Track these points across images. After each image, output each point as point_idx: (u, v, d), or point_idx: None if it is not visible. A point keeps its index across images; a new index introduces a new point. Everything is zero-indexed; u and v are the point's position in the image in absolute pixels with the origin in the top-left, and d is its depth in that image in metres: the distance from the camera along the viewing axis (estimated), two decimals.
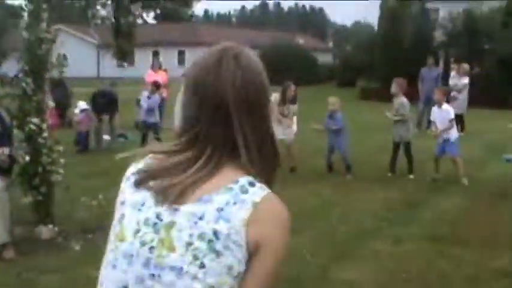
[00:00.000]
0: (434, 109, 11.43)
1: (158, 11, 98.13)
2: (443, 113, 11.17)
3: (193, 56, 43.24)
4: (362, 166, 12.39)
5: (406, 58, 29.25)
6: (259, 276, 1.52)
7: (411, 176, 11.61)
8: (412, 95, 19.10)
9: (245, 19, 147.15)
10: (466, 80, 18.24)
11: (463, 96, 18.26)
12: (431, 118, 11.63)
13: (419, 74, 19.32)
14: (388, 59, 31.19)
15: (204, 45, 55.14)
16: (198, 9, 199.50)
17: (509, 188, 10.64)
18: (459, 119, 18.34)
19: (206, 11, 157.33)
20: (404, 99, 11.65)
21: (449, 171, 11.34)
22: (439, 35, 33.72)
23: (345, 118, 12.03)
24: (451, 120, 11.09)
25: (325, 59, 52.52)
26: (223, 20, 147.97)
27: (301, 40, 61.03)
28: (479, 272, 6.49)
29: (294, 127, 12.76)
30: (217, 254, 1.48)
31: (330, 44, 75.74)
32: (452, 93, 18.29)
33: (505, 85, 27.61)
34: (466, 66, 18.52)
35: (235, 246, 1.49)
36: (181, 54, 58.93)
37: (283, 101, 12.20)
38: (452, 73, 19.05)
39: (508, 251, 7.14)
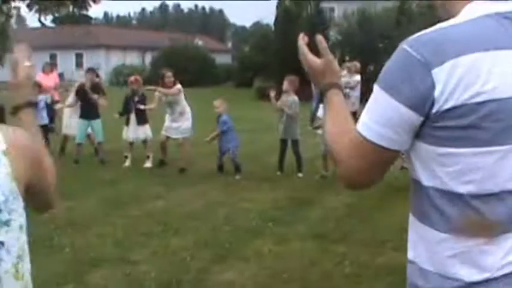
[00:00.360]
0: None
1: (56, 14, 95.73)
2: None
3: (91, 58, 42.80)
4: (252, 166, 12.18)
5: None
6: None
7: (300, 175, 11.43)
8: (306, 94, 19.31)
9: (145, 21, 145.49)
10: (357, 77, 18.31)
11: (356, 94, 18.32)
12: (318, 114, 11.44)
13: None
14: (284, 59, 31.19)
15: (103, 48, 54.36)
16: (97, 11, 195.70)
17: (402, 181, 10.57)
18: (353, 117, 18.53)
19: (106, 13, 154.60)
20: (295, 97, 11.47)
21: None
22: (334, 34, 34.04)
23: (231, 119, 11.70)
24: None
25: (224, 60, 52.71)
26: (123, 22, 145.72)
27: (200, 41, 60.76)
28: (362, 270, 6.28)
29: (187, 124, 12.34)
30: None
31: (229, 45, 75.48)
32: (345, 91, 18.42)
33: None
34: (357, 64, 18.61)
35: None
36: (79, 57, 57.63)
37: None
38: (344, 71, 19.09)
39: (391, 247, 6.97)
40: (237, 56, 46.57)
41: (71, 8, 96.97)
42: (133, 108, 12.54)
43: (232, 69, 45.83)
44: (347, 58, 19.64)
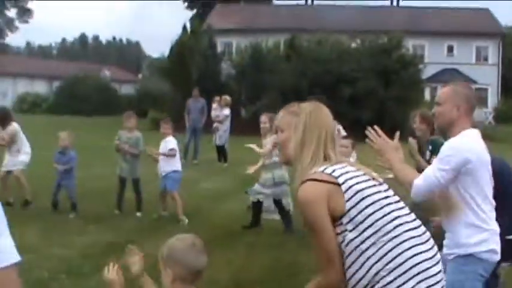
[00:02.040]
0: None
1: None
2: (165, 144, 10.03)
3: None
4: (94, 203, 10.87)
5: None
6: None
7: (138, 214, 10.19)
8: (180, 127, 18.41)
9: (65, 51, 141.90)
10: (227, 111, 17.43)
11: (225, 127, 17.41)
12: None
13: (185, 105, 18.35)
14: (177, 91, 30.15)
15: (8, 75, 51.99)
16: (19, 41, 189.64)
17: (234, 226, 9.53)
18: (221, 150, 17.57)
19: (28, 43, 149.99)
20: (139, 134, 10.32)
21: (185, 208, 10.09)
22: (227, 68, 33.24)
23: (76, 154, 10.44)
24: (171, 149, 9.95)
25: (132, 90, 51.40)
26: (45, 51, 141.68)
27: (107, 72, 59.11)
28: None
29: (22, 157, 10.95)
30: None
31: (139, 76, 73.95)
32: (214, 125, 17.50)
33: None
34: (227, 97, 17.73)
35: None
36: None
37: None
38: (214, 105, 18.19)
39: None
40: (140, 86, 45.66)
41: None
42: None
43: (134, 100, 44.59)
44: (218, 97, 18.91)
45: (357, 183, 2.74)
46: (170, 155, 9.99)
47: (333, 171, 2.75)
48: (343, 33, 32.98)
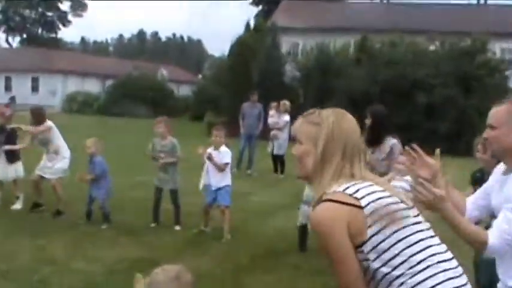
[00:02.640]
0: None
1: (24, 36, 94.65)
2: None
3: (47, 83, 42.15)
4: (130, 214, 10.88)
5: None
6: None
7: (177, 227, 10.09)
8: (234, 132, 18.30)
9: (122, 48, 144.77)
10: (287, 118, 17.18)
11: (285, 135, 17.19)
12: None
13: (240, 110, 18.26)
14: (236, 93, 30.14)
15: (60, 73, 53.29)
16: (73, 36, 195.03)
17: (279, 245, 9.31)
18: (279, 160, 17.37)
19: (83, 38, 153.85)
20: (174, 140, 10.23)
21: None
22: (291, 70, 33.13)
23: (105, 162, 10.44)
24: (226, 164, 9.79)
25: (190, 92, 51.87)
26: (100, 48, 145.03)
27: (164, 71, 59.84)
28: None
29: (60, 164, 11.03)
30: None
31: (199, 76, 74.46)
32: (272, 133, 17.31)
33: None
34: (286, 102, 17.49)
35: None
36: (34, 81, 56.88)
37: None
38: (271, 111, 17.98)
39: None
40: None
41: (40, 30, 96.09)
42: (1, 145, 11.21)
43: (190, 102, 45.00)
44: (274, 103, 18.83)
45: (383, 206, 2.61)
46: (222, 168, 9.82)
47: (356, 191, 2.62)
48: (419, 34, 32.28)
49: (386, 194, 2.67)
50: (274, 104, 18.15)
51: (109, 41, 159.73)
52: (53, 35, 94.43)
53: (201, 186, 10.19)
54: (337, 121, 2.77)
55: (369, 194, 2.61)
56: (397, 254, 2.56)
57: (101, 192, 10.35)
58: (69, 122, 33.92)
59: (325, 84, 30.24)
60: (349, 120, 2.82)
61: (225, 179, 9.89)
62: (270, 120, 17.82)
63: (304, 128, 2.83)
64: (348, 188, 2.63)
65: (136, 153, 18.93)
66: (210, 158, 9.75)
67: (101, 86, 57.13)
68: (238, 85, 30.28)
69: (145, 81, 47.53)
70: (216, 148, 9.83)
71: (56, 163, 10.99)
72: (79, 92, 51.32)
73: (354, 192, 2.60)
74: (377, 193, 2.64)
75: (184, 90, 57.15)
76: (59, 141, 11.15)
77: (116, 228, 9.95)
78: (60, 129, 11.29)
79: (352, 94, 27.93)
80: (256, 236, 10.03)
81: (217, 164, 9.75)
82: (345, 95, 28.34)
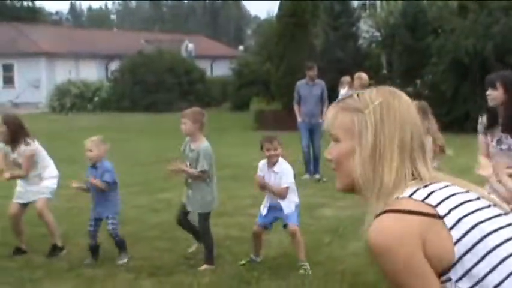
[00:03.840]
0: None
1: None
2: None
3: (25, 71, 42.59)
4: (155, 244, 11.22)
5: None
6: None
7: (205, 267, 10.11)
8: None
9: (129, 16, 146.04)
10: None
11: None
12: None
13: (294, 91, 18.21)
14: (292, 68, 30.21)
15: (40, 56, 53.66)
16: (59, 3, 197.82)
17: (355, 275, 9.32)
18: None
19: (73, 5, 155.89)
20: (205, 144, 10.18)
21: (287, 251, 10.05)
22: (367, 30, 33.19)
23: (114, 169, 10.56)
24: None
25: (228, 71, 51.76)
26: (98, 17, 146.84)
27: (190, 45, 60.17)
28: None
29: (46, 183, 11.17)
30: None
31: (240, 49, 73.75)
32: None
33: (460, 97, 26.94)
34: (363, 76, 17.38)
35: None
36: (7, 69, 57.11)
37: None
38: (343, 89, 17.93)
39: None
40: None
41: None
42: None
43: (229, 85, 44.99)
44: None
45: (471, 213, 2.53)
46: (283, 195, 9.84)
47: (429, 195, 2.54)
48: None
49: (473, 196, 2.62)
50: (346, 78, 18.11)
51: (110, 7, 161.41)
52: (30, 3, 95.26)
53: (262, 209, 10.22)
54: (387, 104, 2.69)
55: (447, 197, 2.54)
56: (499, 283, 2.45)
57: (111, 210, 10.40)
58: (60, 126, 34.41)
59: (416, 46, 30.08)
60: (404, 101, 2.73)
61: (289, 198, 9.91)
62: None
63: (340, 119, 2.75)
64: (416, 191, 2.56)
65: (157, 162, 19.14)
66: (263, 186, 9.80)
67: (103, 71, 57.53)
68: (295, 57, 30.33)
69: (163, 60, 47.44)
70: (270, 165, 9.85)
71: (42, 182, 11.09)
72: (72, 81, 51.34)
73: (426, 197, 2.53)
74: (459, 196, 2.58)
75: (220, 69, 57.25)
76: (44, 162, 11.24)
77: (134, 267, 10.05)
78: (48, 139, 11.42)
79: (457, 57, 27.69)
80: (337, 262, 10.07)
81: (274, 191, 9.79)
82: (447, 59, 28.13)
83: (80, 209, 11.55)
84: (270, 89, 34.26)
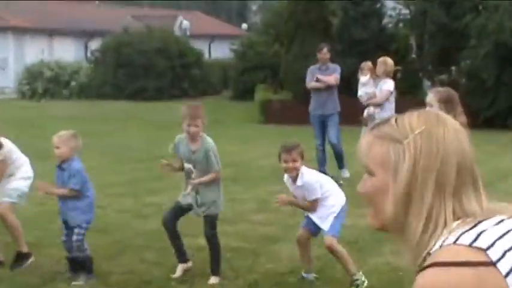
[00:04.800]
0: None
1: None
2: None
3: None
4: (134, 259, 11.18)
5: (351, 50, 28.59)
6: None
7: (214, 280, 10.17)
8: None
9: None
10: (389, 85, 17.08)
11: (388, 114, 17.11)
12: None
13: (307, 76, 18.23)
14: (304, 52, 30.27)
15: (6, 31, 53.48)
16: None
17: None
18: None
19: None
20: (208, 143, 10.29)
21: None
22: (393, 7, 33.19)
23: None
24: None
25: (228, 53, 51.77)
26: None
27: (185, 21, 60.13)
28: None
29: (15, 184, 11.23)
30: None
31: (244, 27, 73.75)
32: (367, 112, 17.23)
33: (503, 87, 26.95)
34: (388, 61, 17.30)
35: None
36: None
37: None
38: (364, 77, 17.89)
39: None
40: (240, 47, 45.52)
41: None
42: None
43: (230, 70, 44.96)
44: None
45: None
46: (312, 209, 9.91)
47: (478, 236, 2.47)
48: None
49: None
50: (367, 63, 18.08)
51: None
52: None
53: None
54: (429, 132, 2.62)
55: (501, 236, 2.47)
56: None
57: (79, 217, 10.34)
58: (31, 115, 34.51)
59: (452, 26, 30.05)
60: (451, 128, 2.66)
61: (323, 211, 9.97)
62: (362, 91, 17.75)
63: (375, 150, 2.73)
64: (462, 234, 2.48)
65: (146, 159, 19.21)
66: (290, 202, 9.86)
67: (81, 50, 57.48)
68: (308, 38, 30.36)
69: (153, 40, 47.39)
70: (293, 179, 9.83)
71: (11, 183, 11.14)
72: (45, 62, 51.18)
73: (475, 240, 2.45)
74: None
75: (219, 51, 57.24)
76: (17, 162, 11.28)
77: (118, 283, 10.10)
78: (16, 130, 11.46)
79: (500, 39, 27.67)
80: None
81: (302, 206, 9.91)
82: (488, 42, 28.14)
83: (52, 214, 11.55)
84: (279, 74, 34.22)
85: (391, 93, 16.90)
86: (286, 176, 9.83)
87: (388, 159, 2.63)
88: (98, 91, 45.81)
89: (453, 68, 31.25)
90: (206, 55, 54.86)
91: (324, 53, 17.86)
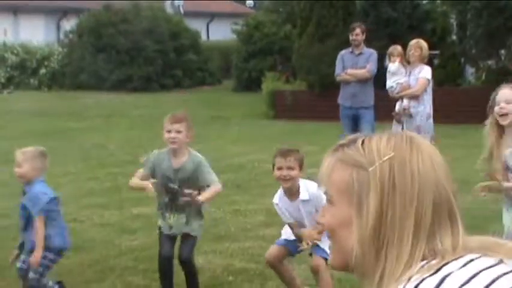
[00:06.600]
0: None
1: None
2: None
3: None
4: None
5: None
6: None
7: None
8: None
9: None
10: (425, 73, 17.15)
11: (423, 108, 17.18)
12: None
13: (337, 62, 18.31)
14: (322, 33, 30.41)
15: None
16: None
17: None
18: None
19: None
20: (197, 158, 10.39)
21: None
22: None
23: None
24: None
25: (230, 34, 51.87)
26: None
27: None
28: None
29: None
30: None
31: (249, 4, 73.78)
32: (399, 106, 17.26)
33: None
34: (423, 45, 17.34)
35: None
36: None
37: None
38: (394, 65, 17.93)
39: None
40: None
41: None
42: None
43: (233, 55, 45.00)
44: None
45: None
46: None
47: (441, 282, 2.49)
48: None
49: (504, 270, 2.56)
50: (396, 48, 18.14)
51: None
52: None
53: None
54: (402, 159, 2.63)
55: (466, 282, 2.49)
56: None
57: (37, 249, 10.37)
58: None
59: (500, 1, 30.11)
60: (426, 154, 2.68)
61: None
62: (392, 82, 17.78)
63: (337, 174, 2.73)
64: (424, 280, 2.51)
65: (131, 161, 19.30)
66: (290, 226, 9.89)
67: (53, 31, 57.49)
68: (326, 17, 30.47)
69: (140, 19, 47.32)
70: (290, 195, 9.84)
71: None
72: (8, 45, 51.20)
73: (438, 286, 2.48)
74: (484, 275, 2.51)
75: (219, 32, 57.26)
76: None
77: None
78: None
79: None
80: None
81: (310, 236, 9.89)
82: None
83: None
84: (290, 60, 34.31)
85: (429, 82, 16.98)
86: (279, 194, 9.75)
87: (350, 188, 2.63)
88: (73, 81, 45.84)
89: (502, 52, 31.31)
90: (204, 37, 54.89)
91: (357, 33, 17.90)
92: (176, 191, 10.17)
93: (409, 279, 2.48)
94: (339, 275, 10.31)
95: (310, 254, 9.91)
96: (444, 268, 2.49)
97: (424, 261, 2.54)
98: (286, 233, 10.03)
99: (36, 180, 10.26)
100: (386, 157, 2.59)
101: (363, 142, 2.69)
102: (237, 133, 25.98)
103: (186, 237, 10.35)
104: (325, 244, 9.50)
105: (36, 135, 22.17)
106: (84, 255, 11.18)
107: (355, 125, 17.68)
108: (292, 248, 9.97)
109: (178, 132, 9.98)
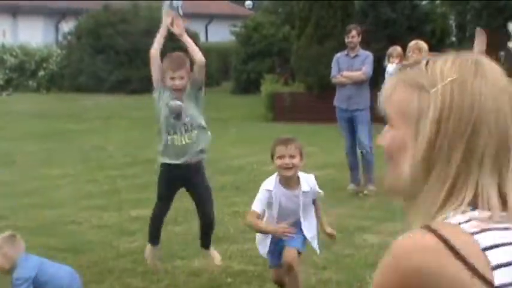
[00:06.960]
0: None
1: None
2: None
3: None
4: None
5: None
6: None
7: None
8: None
9: None
10: None
11: None
12: None
13: (333, 65, 18.28)
14: (321, 35, 30.38)
15: None
16: None
17: None
18: None
19: None
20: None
21: None
22: None
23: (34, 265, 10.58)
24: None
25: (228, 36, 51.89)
26: None
27: None
28: None
29: None
30: None
31: (247, 5, 73.29)
32: None
33: None
34: (422, 46, 17.31)
35: None
36: None
37: None
38: (392, 66, 17.91)
39: None
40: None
41: None
42: None
43: (232, 56, 44.96)
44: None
45: None
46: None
47: (481, 231, 2.44)
48: None
49: None
50: (395, 49, 18.10)
51: None
52: None
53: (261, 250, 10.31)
54: (463, 82, 2.51)
55: (504, 244, 2.43)
56: None
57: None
58: None
59: (499, 1, 30.09)
60: (491, 79, 2.53)
61: (311, 219, 10.05)
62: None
63: (397, 96, 2.67)
64: (468, 221, 2.46)
65: (131, 163, 19.30)
66: (284, 233, 9.78)
67: (52, 33, 57.41)
68: (325, 18, 30.44)
69: (139, 20, 47.31)
70: (288, 184, 9.78)
71: None
72: (7, 46, 50.97)
73: (477, 233, 2.43)
74: None
75: (218, 34, 57.24)
76: None
77: None
78: None
79: None
80: None
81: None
82: None
83: None
84: (289, 62, 34.30)
85: None
86: (273, 181, 9.64)
87: (410, 109, 2.57)
88: (72, 82, 45.78)
89: (502, 54, 31.30)
90: (202, 38, 54.87)
91: (353, 36, 17.82)
92: (178, 108, 10.80)
93: (456, 212, 2.45)
94: (338, 277, 10.33)
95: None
96: (498, 219, 2.44)
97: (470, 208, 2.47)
98: (261, 245, 10.04)
99: (17, 263, 9.42)
100: (449, 79, 2.50)
101: (427, 63, 2.59)
102: (236, 135, 26.00)
103: (198, 187, 10.79)
104: (299, 235, 9.65)
105: (36, 137, 22.23)
106: (82, 257, 11.18)
107: (352, 126, 17.60)
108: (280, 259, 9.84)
109: (181, 78, 10.97)
